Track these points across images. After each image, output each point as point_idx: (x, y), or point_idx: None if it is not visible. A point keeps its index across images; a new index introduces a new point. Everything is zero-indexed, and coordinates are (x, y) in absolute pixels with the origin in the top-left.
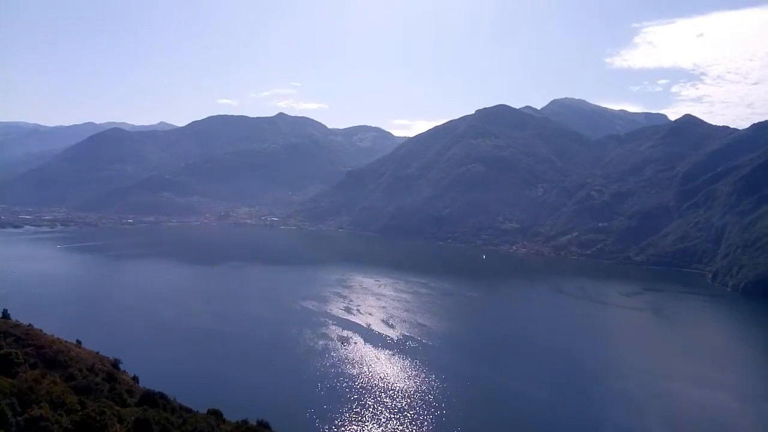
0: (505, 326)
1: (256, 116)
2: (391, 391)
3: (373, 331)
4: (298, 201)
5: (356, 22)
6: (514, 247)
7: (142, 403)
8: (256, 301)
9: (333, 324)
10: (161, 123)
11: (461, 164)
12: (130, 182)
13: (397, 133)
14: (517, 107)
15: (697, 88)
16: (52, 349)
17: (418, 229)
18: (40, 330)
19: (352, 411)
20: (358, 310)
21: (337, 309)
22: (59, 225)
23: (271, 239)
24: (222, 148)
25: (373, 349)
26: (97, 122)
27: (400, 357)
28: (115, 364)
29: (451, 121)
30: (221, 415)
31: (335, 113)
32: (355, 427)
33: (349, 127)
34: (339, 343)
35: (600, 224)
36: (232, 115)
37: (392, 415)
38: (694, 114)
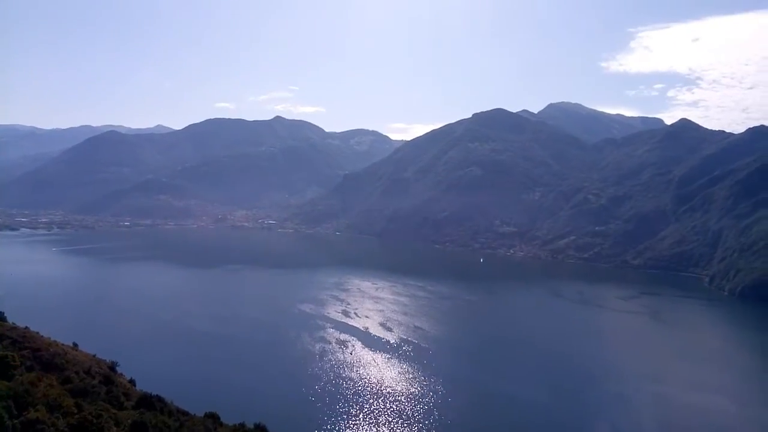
0: (503, 330)
1: (253, 120)
2: (388, 395)
3: (371, 335)
4: (295, 204)
5: (354, 25)
6: (511, 251)
7: (139, 406)
8: (254, 304)
9: (331, 327)
10: (158, 126)
11: (458, 168)
12: (127, 185)
13: (394, 136)
14: (514, 111)
15: (692, 93)
16: (49, 352)
17: (415, 233)
18: (37, 333)
19: (350, 414)
20: (355, 313)
21: (334, 312)
22: (56, 228)
23: (269, 242)
24: (219, 151)
25: (370, 352)
26: (94, 125)
27: (397, 360)
28: (112, 366)
29: (448, 124)
30: (218, 418)
31: (332, 117)
32: (351, 431)
33: (347, 131)
34: (337, 347)
35: (597, 228)
36: (229, 119)
37: (390, 419)
38: (690, 118)
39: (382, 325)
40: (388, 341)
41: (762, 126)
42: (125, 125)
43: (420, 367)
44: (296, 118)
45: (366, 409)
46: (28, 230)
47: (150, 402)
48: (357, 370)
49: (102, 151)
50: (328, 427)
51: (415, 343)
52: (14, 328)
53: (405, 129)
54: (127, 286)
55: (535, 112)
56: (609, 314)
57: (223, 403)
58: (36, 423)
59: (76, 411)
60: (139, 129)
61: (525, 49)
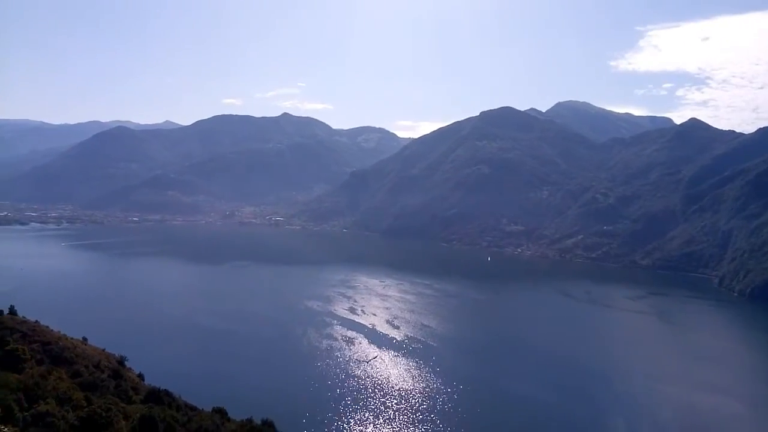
0: (510, 329)
1: (260, 116)
2: (395, 393)
3: (378, 332)
4: (302, 201)
5: (361, 22)
6: (519, 250)
7: (147, 401)
8: (261, 301)
9: (337, 324)
10: (166, 122)
11: (466, 166)
12: (135, 181)
13: (401, 134)
14: (522, 109)
15: (702, 92)
16: (59, 346)
17: (422, 231)
18: (47, 327)
19: (356, 412)
20: (362, 310)
21: (341, 309)
22: (65, 222)
23: (276, 239)
24: (227, 147)
25: (377, 349)
26: (103, 120)
27: (404, 358)
28: (121, 361)
29: (456, 122)
30: (226, 413)
31: (340, 114)
32: (358, 428)
33: (354, 128)
34: (343, 344)
35: (605, 227)
36: (236, 115)
37: (396, 416)
38: (699, 118)
39: (389, 322)
40: (395, 339)
41: None
42: (133, 120)
43: (427, 364)
44: (303, 115)
45: (372, 406)
46: (38, 225)
47: (158, 396)
48: (363, 367)
49: (110, 147)
50: (335, 423)
51: (422, 340)
52: (24, 321)
53: (412, 127)
54: (135, 281)
55: (543, 111)
56: (617, 314)
57: (231, 398)
58: (46, 416)
59: (85, 404)
60: (147, 124)
61: (533, 47)
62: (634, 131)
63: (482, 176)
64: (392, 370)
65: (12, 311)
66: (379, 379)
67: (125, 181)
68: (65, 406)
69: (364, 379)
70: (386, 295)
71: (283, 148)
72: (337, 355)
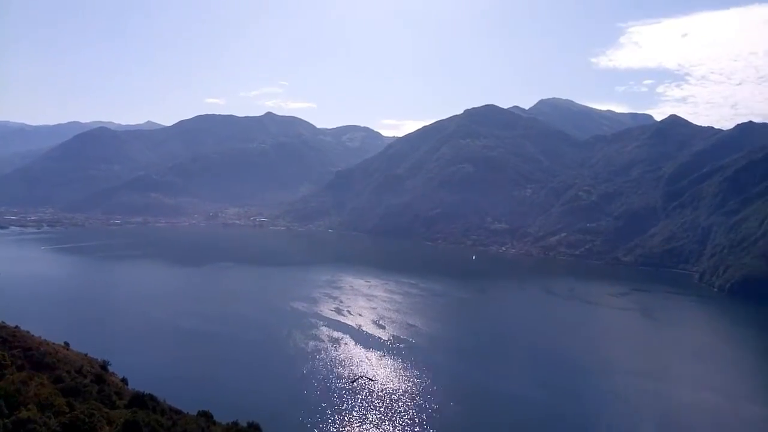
0: (496, 327)
1: (244, 115)
2: (381, 392)
3: (364, 332)
4: (287, 201)
5: (344, 21)
6: (503, 248)
7: (131, 405)
8: (246, 303)
9: (323, 325)
10: (148, 122)
11: (450, 164)
12: (117, 182)
13: (386, 133)
14: (505, 107)
15: (682, 89)
16: (40, 351)
17: (407, 230)
18: (27, 332)
19: (343, 412)
20: (348, 311)
21: (327, 310)
22: (45, 225)
23: (261, 240)
24: (210, 147)
25: (363, 350)
26: (83, 121)
27: (390, 358)
28: (104, 365)
29: (439, 121)
30: (212, 416)
31: (324, 113)
32: (345, 429)
33: (338, 127)
34: (329, 344)
35: (588, 225)
36: (219, 115)
37: (383, 416)
38: (679, 114)
39: (375, 322)
40: (381, 339)
41: (750, 122)
42: (114, 121)
43: (413, 364)
44: (287, 114)
45: (359, 407)
46: (18, 228)
47: (142, 401)
48: (350, 368)
49: (91, 148)
50: (321, 425)
51: (408, 340)
52: (4, 327)
53: (396, 125)
54: (118, 285)
55: (526, 108)
56: (600, 311)
57: (216, 401)
58: (27, 422)
59: (67, 410)
60: (128, 125)
61: (515, 45)
62: (615, 128)
63: (466, 175)
64: (378, 370)
65: None
66: (364, 380)
67: (107, 183)
68: (47, 412)
69: (351, 379)
70: (372, 296)
71: (267, 148)
72: (322, 356)
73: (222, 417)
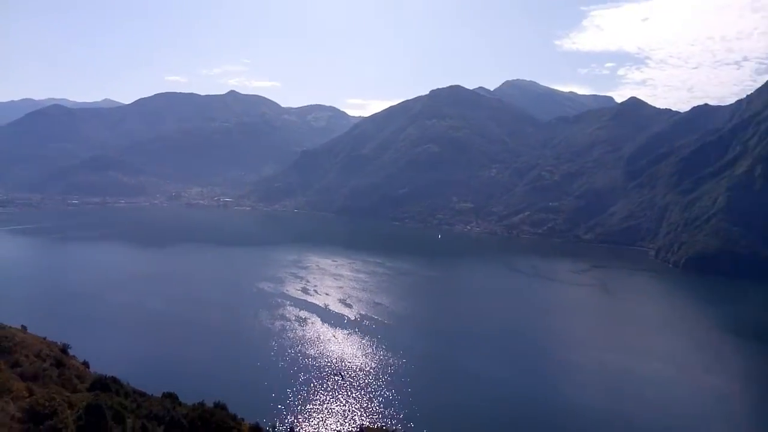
0: (461, 304)
1: (206, 94)
2: (349, 371)
3: (331, 311)
4: (251, 181)
5: None
6: (468, 227)
7: (93, 389)
8: (211, 284)
9: (290, 305)
10: (105, 100)
11: (416, 145)
12: (73, 161)
13: (351, 112)
14: (471, 88)
15: (641, 72)
16: None
17: (374, 210)
18: None
19: (311, 391)
20: (315, 290)
21: (293, 290)
22: None
23: (225, 220)
24: (171, 126)
25: (330, 328)
26: (36, 98)
27: (358, 336)
28: (64, 349)
29: (406, 101)
30: (177, 398)
31: (288, 92)
32: (313, 407)
33: (303, 106)
34: (296, 324)
35: (551, 204)
36: (180, 93)
37: (350, 394)
38: (638, 97)
39: (342, 301)
40: (349, 317)
41: (705, 105)
42: (69, 98)
43: (380, 342)
44: (251, 93)
45: (327, 385)
46: None
47: (105, 384)
48: (317, 347)
49: (45, 126)
50: (289, 403)
51: (375, 318)
52: None
53: (363, 105)
54: (77, 267)
55: (491, 89)
56: (562, 287)
57: (182, 383)
58: None
59: (27, 395)
60: (84, 103)
61: (481, 25)
62: (578, 110)
63: (432, 155)
64: (346, 349)
65: None
66: (333, 359)
67: (62, 162)
68: (5, 397)
69: (318, 358)
70: (339, 275)
71: (230, 127)
72: (290, 336)
73: (188, 398)
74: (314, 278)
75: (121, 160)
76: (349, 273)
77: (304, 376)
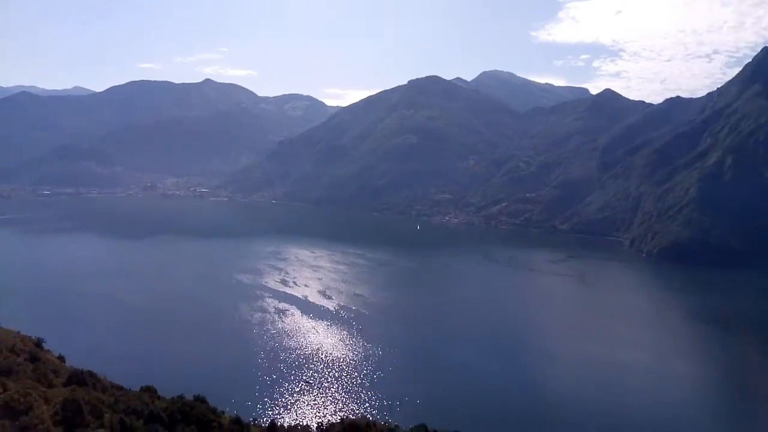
0: (440, 295)
1: (181, 82)
2: (329, 362)
3: (310, 303)
4: (228, 171)
5: None
6: (446, 218)
7: (69, 383)
8: (189, 276)
9: (269, 297)
10: (76, 87)
11: (395, 135)
12: (44, 151)
13: (329, 102)
14: (449, 78)
15: (616, 64)
16: None
17: (352, 200)
18: None
19: (291, 382)
20: (294, 282)
21: (272, 282)
22: None
23: (202, 211)
24: (145, 115)
25: (310, 320)
26: (3, 85)
27: (337, 328)
28: (39, 343)
29: (384, 91)
30: (155, 391)
31: (265, 81)
32: (295, 399)
33: (280, 96)
34: (276, 316)
35: (528, 194)
36: (155, 81)
37: (331, 385)
38: (613, 89)
39: (322, 293)
40: (328, 309)
41: (678, 97)
42: (38, 86)
43: (360, 333)
44: (227, 82)
45: (307, 377)
46: None
47: (81, 378)
48: (297, 339)
49: (13, 114)
50: (270, 396)
51: (354, 309)
52: None
53: (340, 95)
54: (51, 260)
55: (469, 80)
56: (539, 277)
57: (161, 377)
58: None
59: (1, 390)
60: (54, 90)
61: (459, 16)
62: (554, 101)
63: (411, 146)
64: (326, 340)
65: None
66: (312, 350)
67: (32, 151)
68: None
69: (297, 350)
70: (318, 266)
71: (206, 116)
72: (270, 329)
73: (167, 392)
74: (293, 270)
75: (93, 150)
76: (328, 264)
77: (284, 368)
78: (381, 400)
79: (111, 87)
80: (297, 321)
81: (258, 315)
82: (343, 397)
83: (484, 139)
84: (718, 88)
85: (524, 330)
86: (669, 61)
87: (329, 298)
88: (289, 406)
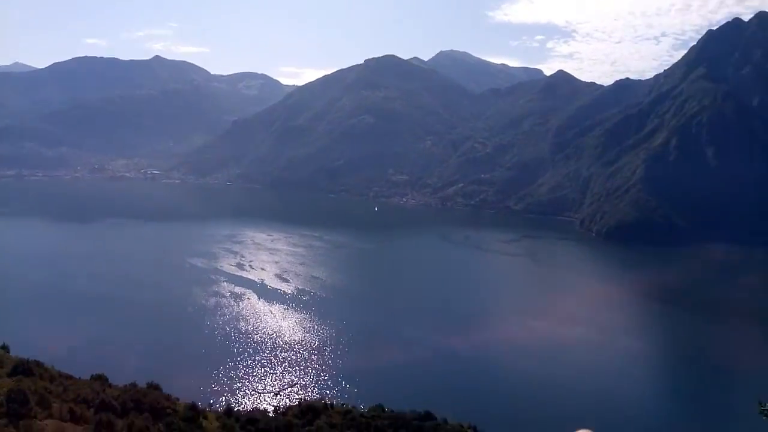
0: (397, 276)
1: (129, 59)
2: (286, 345)
3: (267, 286)
4: (181, 152)
5: None
6: (404, 199)
7: (15, 374)
8: (140, 261)
9: (224, 281)
10: (16, 63)
11: (352, 116)
12: None
13: (285, 81)
14: (405, 58)
15: (569, 45)
16: None
17: (309, 182)
18: None
19: (247, 367)
20: (250, 265)
21: (228, 266)
22: None
23: (153, 194)
24: (91, 93)
25: (267, 304)
26: None
27: (295, 310)
28: None
29: (340, 70)
30: (107, 379)
31: (217, 58)
32: (251, 383)
33: (234, 74)
34: (232, 300)
35: (483, 176)
36: (101, 57)
37: (287, 369)
38: (566, 70)
39: (279, 276)
40: (285, 292)
41: (627, 79)
42: None
43: (317, 315)
44: (177, 59)
45: (264, 360)
46: None
47: (27, 368)
48: (253, 323)
49: None
50: (226, 381)
51: (312, 292)
52: None
53: (296, 74)
54: None
55: (426, 60)
56: (493, 257)
57: (112, 365)
58: None
59: None
60: None
61: None
62: (509, 82)
63: (367, 126)
64: (283, 323)
65: None
66: (269, 334)
67: None
68: None
69: (254, 334)
70: (275, 249)
71: (156, 95)
72: (225, 313)
73: (118, 380)
74: (249, 253)
75: (36, 129)
76: (285, 247)
77: (240, 352)
78: (338, 382)
79: (54, 63)
80: (253, 305)
81: (213, 300)
82: (300, 379)
83: (440, 119)
84: (664, 71)
85: (477, 308)
86: (619, 42)
87: (286, 281)
88: (245, 391)
